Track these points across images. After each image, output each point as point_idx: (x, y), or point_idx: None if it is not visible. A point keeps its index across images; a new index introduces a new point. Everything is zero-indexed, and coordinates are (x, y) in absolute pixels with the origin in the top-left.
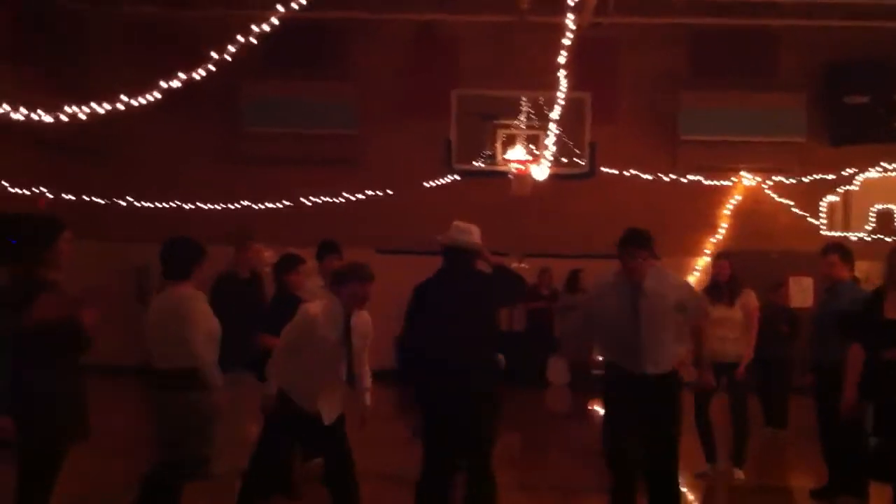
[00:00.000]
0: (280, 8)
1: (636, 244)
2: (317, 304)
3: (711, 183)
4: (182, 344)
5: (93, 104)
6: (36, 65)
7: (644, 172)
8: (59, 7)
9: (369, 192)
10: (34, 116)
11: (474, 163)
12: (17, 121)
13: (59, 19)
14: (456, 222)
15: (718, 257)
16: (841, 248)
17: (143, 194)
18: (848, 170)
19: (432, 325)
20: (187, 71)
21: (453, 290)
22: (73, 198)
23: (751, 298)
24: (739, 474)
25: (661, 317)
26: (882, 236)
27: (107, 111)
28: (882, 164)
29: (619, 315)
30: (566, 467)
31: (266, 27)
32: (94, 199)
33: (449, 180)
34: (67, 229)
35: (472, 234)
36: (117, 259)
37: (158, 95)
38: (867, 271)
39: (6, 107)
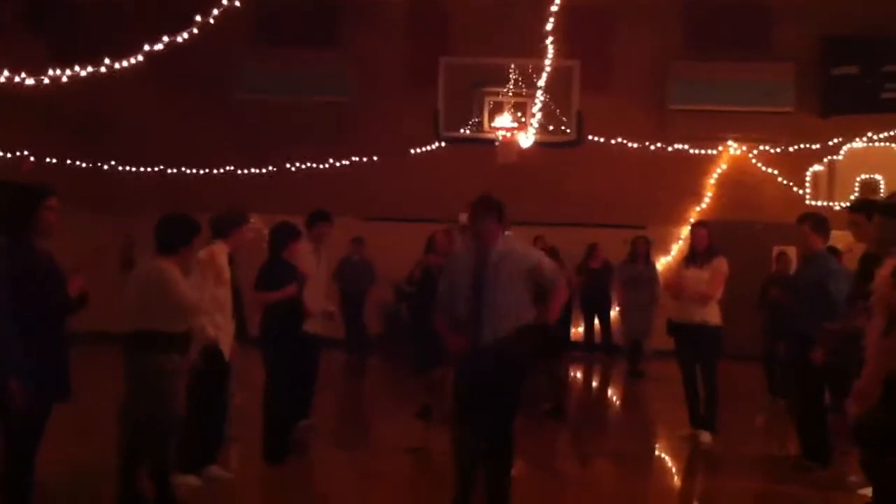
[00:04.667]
0: None
1: (482, 208)
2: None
3: (698, 152)
4: (146, 309)
5: (77, 68)
6: (21, 30)
7: (631, 141)
8: None
9: (355, 159)
10: (17, 80)
11: (461, 130)
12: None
13: None
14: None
15: (697, 226)
16: (813, 218)
17: (130, 161)
18: (834, 140)
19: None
20: (176, 36)
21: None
22: (56, 161)
23: (722, 263)
24: (706, 437)
25: (506, 283)
26: None
27: (95, 76)
28: (869, 133)
29: (463, 280)
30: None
31: None
32: (78, 163)
33: (435, 147)
34: (52, 197)
35: None
36: (105, 228)
37: (142, 59)
38: (851, 241)
39: None
